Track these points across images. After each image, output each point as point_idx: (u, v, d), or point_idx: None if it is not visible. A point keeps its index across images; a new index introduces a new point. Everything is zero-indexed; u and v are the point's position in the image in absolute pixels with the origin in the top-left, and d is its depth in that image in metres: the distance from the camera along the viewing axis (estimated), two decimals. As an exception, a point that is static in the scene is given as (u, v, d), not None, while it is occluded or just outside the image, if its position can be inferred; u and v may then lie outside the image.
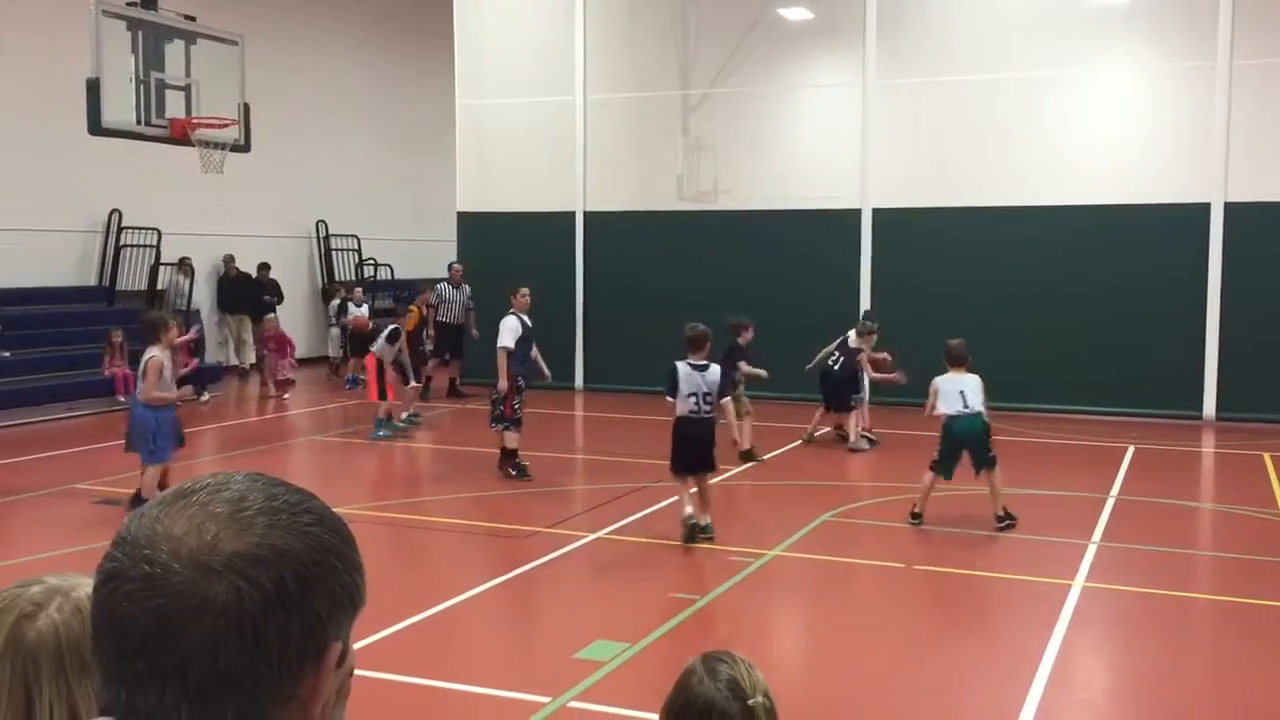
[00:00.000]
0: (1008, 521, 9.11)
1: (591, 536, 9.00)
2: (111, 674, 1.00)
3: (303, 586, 1.01)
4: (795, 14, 17.60)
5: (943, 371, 9.54)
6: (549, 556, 8.42)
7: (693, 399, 8.67)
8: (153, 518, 1.02)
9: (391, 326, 13.66)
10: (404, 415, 13.97)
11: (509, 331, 11.15)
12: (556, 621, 7.26)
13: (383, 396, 13.35)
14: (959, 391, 9.18)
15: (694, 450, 8.72)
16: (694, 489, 8.86)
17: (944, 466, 9.20)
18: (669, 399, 8.76)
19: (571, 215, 18.13)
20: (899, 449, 13.46)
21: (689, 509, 8.70)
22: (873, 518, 9.89)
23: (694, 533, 8.57)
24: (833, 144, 16.93)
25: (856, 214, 16.58)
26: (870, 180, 16.53)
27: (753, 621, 7.37)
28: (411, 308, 15.22)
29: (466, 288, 17.13)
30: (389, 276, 23.04)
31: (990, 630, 7.09)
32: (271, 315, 17.95)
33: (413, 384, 14.30)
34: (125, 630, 0.98)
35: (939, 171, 16.11)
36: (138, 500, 8.71)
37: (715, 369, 8.80)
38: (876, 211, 16.49)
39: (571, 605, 7.62)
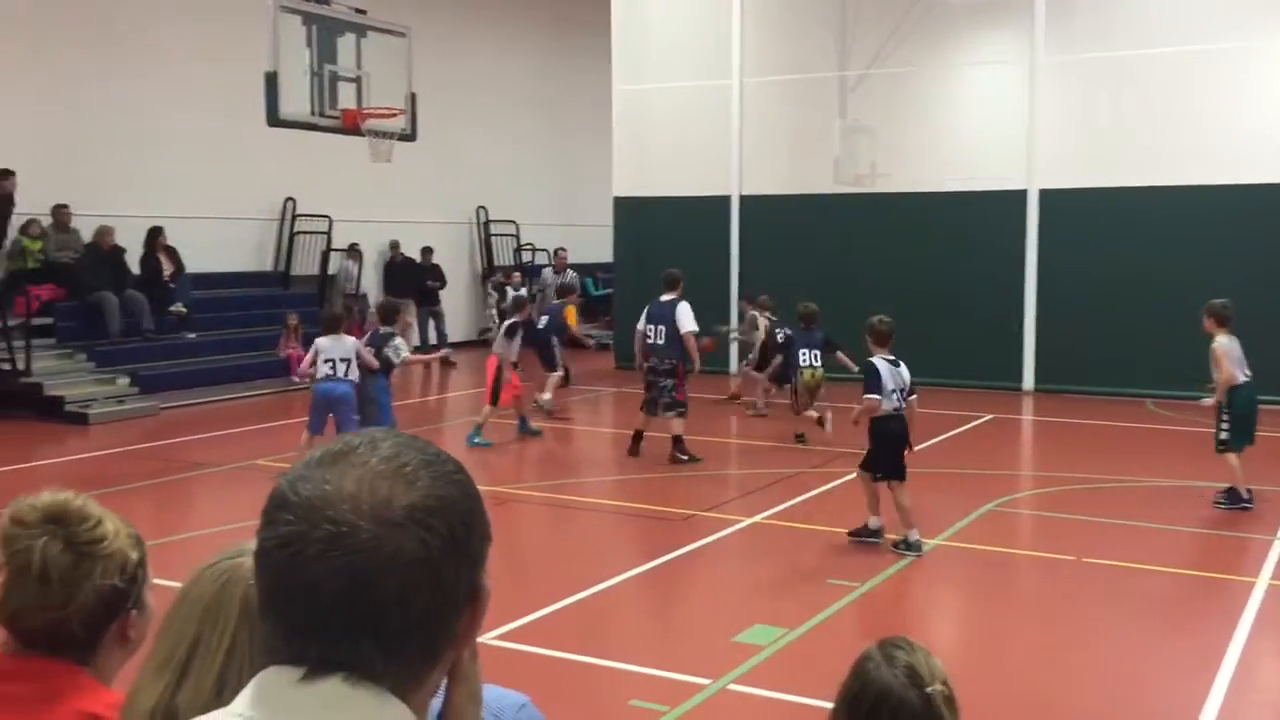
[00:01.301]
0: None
1: (748, 521, 8.99)
2: (299, 632, 1.03)
3: (466, 531, 1.07)
4: (959, -10, 17.11)
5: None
6: (706, 540, 8.45)
7: (895, 395, 8.10)
8: (319, 479, 1.04)
9: (509, 321, 12.92)
10: (532, 423, 12.96)
11: (691, 316, 11.18)
12: (714, 604, 7.27)
13: (494, 401, 12.36)
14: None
15: (895, 450, 8.13)
16: (881, 497, 8.28)
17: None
18: (873, 397, 8.06)
19: (727, 200, 18.09)
20: (1063, 439, 13.01)
21: (877, 520, 8.20)
22: (1040, 508, 9.59)
23: (910, 546, 7.95)
24: (997, 124, 16.43)
25: (1022, 195, 16.06)
26: (1037, 161, 15.97)
27: (914, 611, 7.25)
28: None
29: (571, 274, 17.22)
30: (547, 261, 23.43)
31: (1167, 627, 6.79)
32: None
33: (557, 373, 13.95)
34: (318, 590, 1.01)
35: (1114, 151, 15.45)
36: None
37: (904, 366, 8.25)
38: (1044, 193, 15.94)
39: (729, 589, 7.62)
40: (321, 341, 10.25)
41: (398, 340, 10.68)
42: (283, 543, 1.03)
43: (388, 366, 10.57)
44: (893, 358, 8.22)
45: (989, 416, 13.91)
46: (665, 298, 11.32)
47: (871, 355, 8.21)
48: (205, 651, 1.51)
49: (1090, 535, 8.59)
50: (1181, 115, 15.10)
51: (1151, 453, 11.97)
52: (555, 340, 13.88)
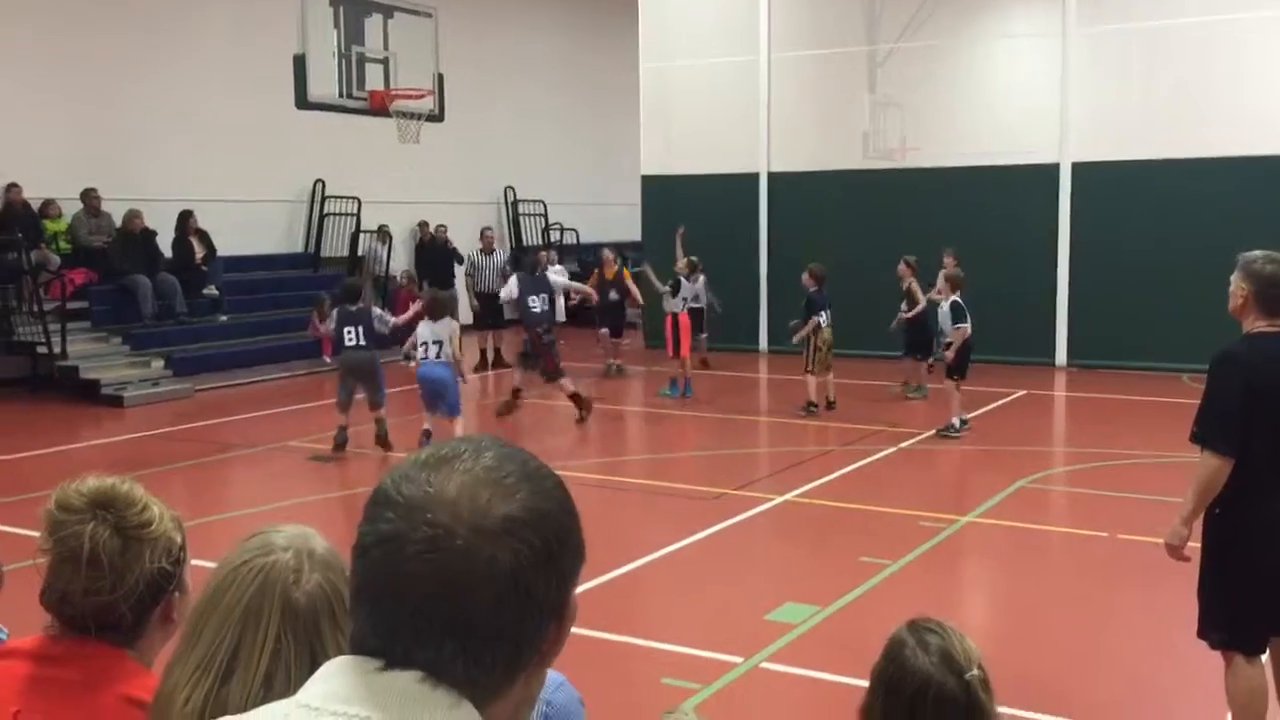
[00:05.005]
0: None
1: (779, 499, 8.99)
2: (386, 628, 1.05)
3: (560, 546, 1.08)
4: (989, -39, 16.89)
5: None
6: (738, 518, 8.45)
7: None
8: (422, 481, 1.06)
9: (673, 280, 14.16)
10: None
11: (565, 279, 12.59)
12: (746, 583, 7.28)
13: (677, 353, 13.84)
14: None
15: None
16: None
17: None
18: (965, 327, 11.22)
19: (755, 177, 18.00)
20: (1097, 414, 12.92)
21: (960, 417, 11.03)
22: (1073, 484, 9.53)
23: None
24: (1029, 96, 16.25)
25: (1054, 169, 15.90)
26: (1070, 133, 15.80)
27: (946, 589, 7.23)
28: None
29: (500, 255, 17.15)
30: (575, 241, 23.42)
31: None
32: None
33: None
34: (410, 589, 1.03)
35: (1147, 123, 15.26)
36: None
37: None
38: (1077, 165, 15.77)
39: (761, 567, 7.63)
40: (421, 328, 10.52)
41: (452, 333, 10.73)
42: (382, 539, 1.05)
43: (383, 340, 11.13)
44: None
45: (1022, 392, 13.82)
46: (536, 275, 12.61)
47: (952, 297, 11.22)
48: (248, 656, 1.51)
49: (1125, 511, 8.53)
50: (1216, 85, 14.88)
51: (1188, 428, 11.84)
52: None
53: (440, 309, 10.64)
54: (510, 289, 12.31)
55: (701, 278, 15.27)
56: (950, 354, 11.38)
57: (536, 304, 12.13)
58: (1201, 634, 4.40)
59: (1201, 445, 4.27)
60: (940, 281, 11.96)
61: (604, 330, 16.26)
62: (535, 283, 12.38)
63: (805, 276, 12.58)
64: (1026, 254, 15.86)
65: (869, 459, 10.28)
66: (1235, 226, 14.57)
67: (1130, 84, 15.52)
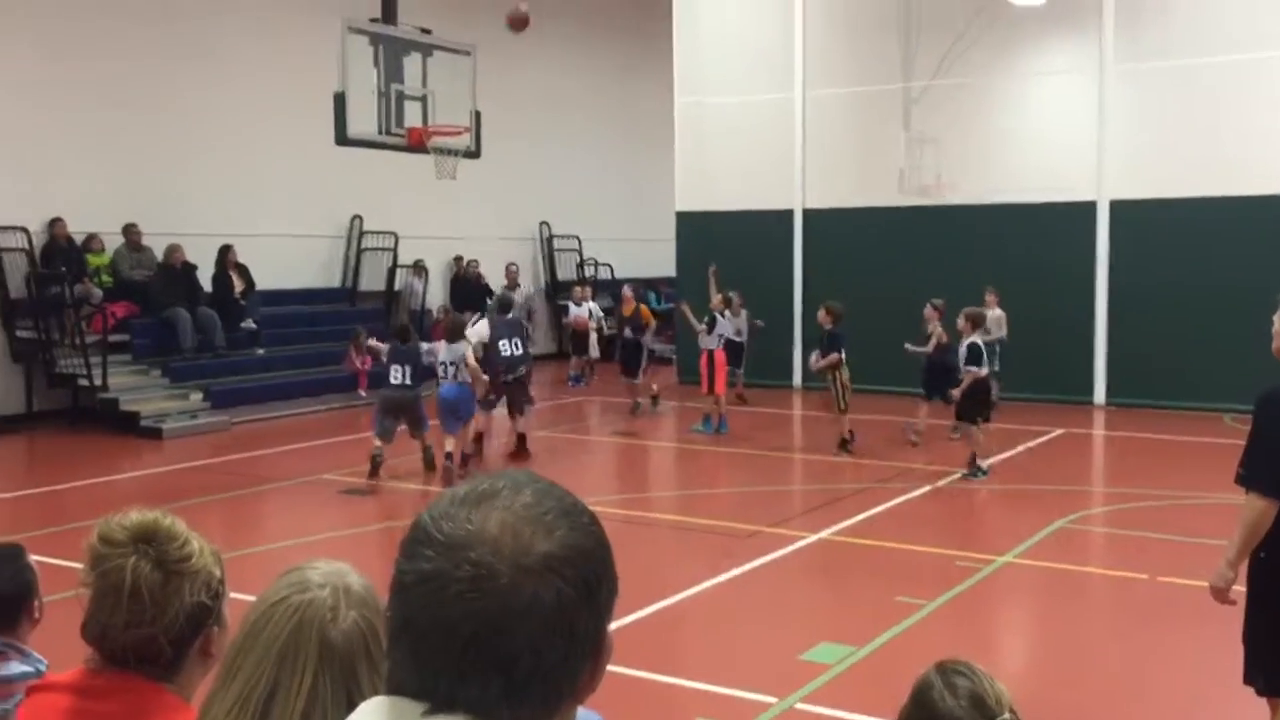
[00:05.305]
0: None
1: (814, 537, 8.92)
2: (428, 668, 1.04)
3: (598, 583, 1.08)
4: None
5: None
6: (771, 556, 8.39)
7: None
8: (462, 519, 1.06)
9: (708, 317, 14.15)
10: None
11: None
12: (780, 622, 7.22)
13: (711, 389, 13.74)
14: None
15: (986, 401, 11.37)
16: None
17: None
18: (974, 369, 11.05)
19: (790, 213, 18.02)
20: (1136, 454, 12.76)
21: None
22: (1113, 525, 9.40)
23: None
24: (1065, 134, 16.19)
25: (1092, 206, 15.81)
26: (1107, 171, 15.72)
27: (982, 631, 7.14)
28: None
29: (524, 290, 17.17)
30: (609, 276, 23.50)
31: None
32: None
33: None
34: (454, 629, 1.03)
35: (1186, 160, 15.13)
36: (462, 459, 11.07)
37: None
38: (1115, 203, 15.68)
39: (795, 606, 7.57)
40: (440, 350, 11.15)
41: (465, 352, 11.32)
42: (423, 578, 1.04)
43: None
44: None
45: (1060, 431, 13.68)
46: (509, 317, 12.60)
47: (971, 337, 11.06)
48: (285, 695, 1.51)
49: (1166, 553, 8.40)
50: (1255, 123, 14.76)
51: (1230, 469, 11.67)
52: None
53: (457, 331, 11.21)
54: (481, 330, 12.06)
55: (744, 312, 15.23)
56: (956, 393, 11.13)
57: (507, 348, 11.90)
58: (1247, 679, 4.31)
59: (1247, 487, 4.21)
60: (961, 320, 11.61)
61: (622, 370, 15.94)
62: (510, 326, 12.18)
63: (822, 313, 12.56)
64: (1063, 291, 15.75)
65: (904, 497, 10.19)
66: (1277, 265, 14.44)
67: (1168, 121, 15.42)
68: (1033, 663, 6.70)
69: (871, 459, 12.06)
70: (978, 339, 11.18)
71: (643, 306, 15.57)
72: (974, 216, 16.47)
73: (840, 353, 12.32)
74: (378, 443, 10.77)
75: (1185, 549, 8.49)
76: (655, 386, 15.89)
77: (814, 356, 12.69)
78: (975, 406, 11.07)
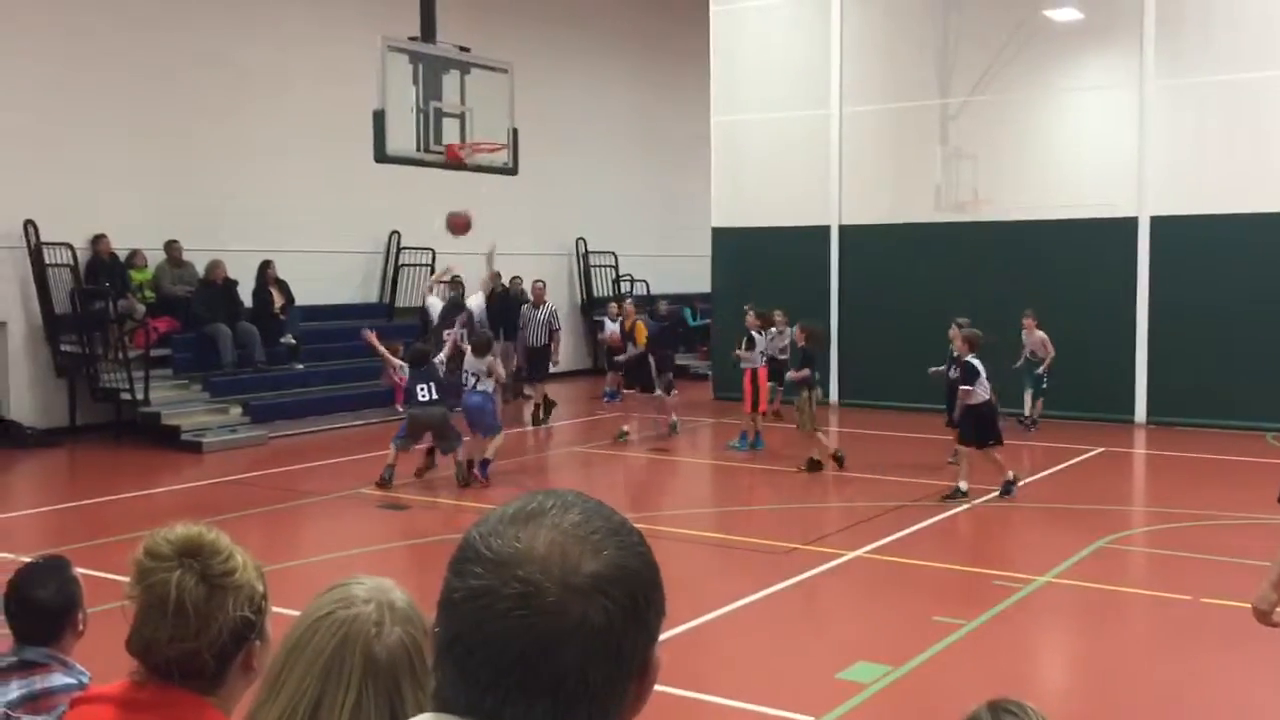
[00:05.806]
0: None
1: (851, 554, 8.87)
2: (476, 683, 1.05)
3: (646, 603, 1.08)
4: (1064, 14, 16.79)
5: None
6: (808, 573, 8.35)
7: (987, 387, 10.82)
8: (511, 536, 1.07)
9: (748, 334, 13.99)
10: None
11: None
12: (817, 640, 7.18)
13: (754, 408, 13.79)
14: None
15: (992, 424, 10.89)
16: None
17: None
18: (969, 389, 10.67)
19: (826, 230, 17.97)
20: (1177, 473, 12.60)
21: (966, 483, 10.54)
22: (1154, 545, 9.28)
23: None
24: (1105, 149, 16.06)
25: (1133, 223, 15.66)
26: (1148, 187, 15.57)
27: (1021, 651, 7.06)
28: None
29: (548, 307, 16.71)
30: (645, 292, 23.51)
31: (1293, 673, 6.50)
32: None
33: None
34: (502, 647, 1.03)
35: (1227, 176, 14.97)
36: (481, 465, 11.53)
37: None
38: (1155, 219, 15.52)
39: (832, 624, 7.52)
40: (467, 361, 11.85)
41: (489, 364, 12.07)
42: (472, 595, 1.05)
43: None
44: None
45: (1100, 449, 13.54)
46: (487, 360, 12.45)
47: (968, 356, 10.66)
48: (329, 710, 1.51)
49: (1208, 574, 8.28)
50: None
51: (1272, 488, 11.50)
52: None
53: (484, 347, 11.97)
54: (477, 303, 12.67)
55: (788, 329, 15.06)
56: (954, 415, 10.93)
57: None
58: None
59: None
60: (954, 333, 11.31)
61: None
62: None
63: (797, 331, 12.72)
64: (1104, 308, 15.60)
65: (941, 515, 10.11)
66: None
67: (1210, 136, 15.27)
68: (1074, 685, 6.61)
69: (909, 477, 11.98)
70: (973, 359, 10.73)
71: (639, 322, 15.08)
72: (1012, 233, 16.36)
73: (812, 371, 12.34)
74: (392, 451, 11.29)
75: (1228, 569, 8.37)
76: (674, 406, 15.42)
77: (790, 371, 13.09)
78: (981, 430, 10.69)
